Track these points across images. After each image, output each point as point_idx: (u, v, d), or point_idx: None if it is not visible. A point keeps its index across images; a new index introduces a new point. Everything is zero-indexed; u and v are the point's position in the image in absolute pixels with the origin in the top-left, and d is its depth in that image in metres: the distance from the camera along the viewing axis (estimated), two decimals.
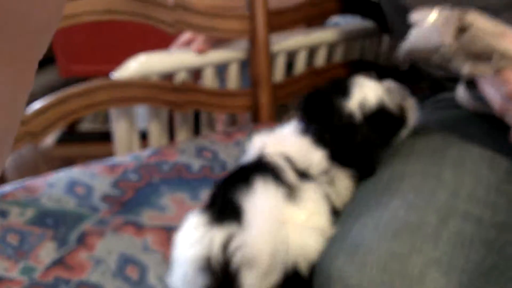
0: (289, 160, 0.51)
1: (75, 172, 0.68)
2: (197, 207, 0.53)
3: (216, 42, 0.84)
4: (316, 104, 0.57)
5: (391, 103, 0.56)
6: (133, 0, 0.70)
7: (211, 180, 0.68)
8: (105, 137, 0.97)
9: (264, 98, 0.85)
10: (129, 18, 0.72)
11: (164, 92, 0.77)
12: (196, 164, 0.71)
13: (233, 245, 0.44)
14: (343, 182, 0.55)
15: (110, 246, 0.57)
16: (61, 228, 0.58)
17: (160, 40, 0.86)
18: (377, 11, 0.83)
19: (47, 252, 0.55)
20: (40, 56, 0.20)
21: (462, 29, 0.48)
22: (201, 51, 0.82)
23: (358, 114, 0.55)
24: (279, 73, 0.90)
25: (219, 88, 0.87)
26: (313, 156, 0.53)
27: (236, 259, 0.44)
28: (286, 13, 0.84)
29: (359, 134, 0.54)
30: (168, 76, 0.80)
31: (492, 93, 0.50)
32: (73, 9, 0.66)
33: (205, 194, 0.65)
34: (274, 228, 0.45)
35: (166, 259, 0.55)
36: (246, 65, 0.87)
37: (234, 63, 0.87)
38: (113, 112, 0.79)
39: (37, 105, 0.67)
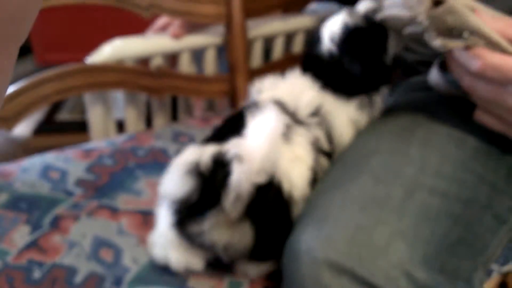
0: (279, 104, 0.52)
1: (49, 157, 0.68)
2: None
3: (193, 27, 0.84)
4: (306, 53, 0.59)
5: (357, 22, 0.56)
6: None
7: None
8: (83, 127, 0.95)
9: (241, 83, 0.85)
10: (102, 2, 0.71)
11: (139, 77, 0.77)
12: (172, 148, 0.71)
13: (227, 148, 0.46)
14: (339, 118, 0.55)
15: (84, 230, 0.56)
16: (34, 212, 0.58)
17: (136, 27, 0.86)
18: None
19: (20, 235, 0.55)
20: (19, 44, 0.19)
21: (437, 2, 0.48)
22: (177, 36, 0.82)
23: (331, 47, 0.56)
24: (256, 58, 0.90)
25: (196, 74, 0.87)
26: (303, 97, 0.54)
27: (229, 155, 0.45)
28: None
29: (337, 62, 0.55)
30: (144, 61, 0.80)
31: (461, 71, 0.50)
32: None
33: None
34: (271, 138, 0.47)
35: (141, 242, 0.55)
36: (223, 50, 0.87)
37: (211, 48, 0.87)
38: (88, 98, 0.78)
39: (9, 89, 0.66)
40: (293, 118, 0.53)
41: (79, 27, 1.11)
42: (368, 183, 0.50)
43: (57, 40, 1.13)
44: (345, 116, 0.57)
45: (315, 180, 0.53)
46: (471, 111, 0.59)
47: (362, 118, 0.58)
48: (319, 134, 0.54)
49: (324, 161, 0.55)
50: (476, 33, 0.47)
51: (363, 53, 0.56)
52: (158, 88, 0.79)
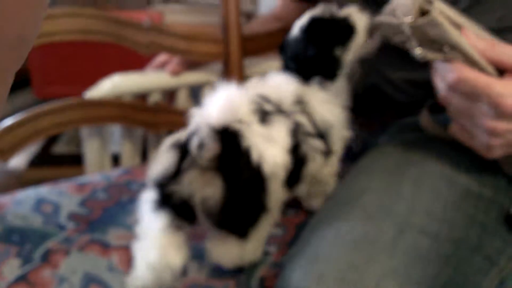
0: (264, 97, 0.55)
1: (43, 190, 0.68)
2: None
3: (191, 64, 0.86)
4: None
5: (324, 14, 0.63)
6: (108, 21, 0.72)
7: None
8: (79, 160, 0.96)
9: None
10: (104, 38, 0.73)
11: (137, 112, 0.78)
12: None
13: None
14: (316, 100, 0.60)
15: (74, 265, 0.56)
16: (26, 245, 0.57)
17: (136, 63, 0.88)
18: None
19: (10, 268, 0.54)
20: (14, 71, 0.20)
21: (424, 13, 0.50)
22: (175, 73, 0.84)
23: (298, 33, 0.63)
24: None
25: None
26: (285, 90, 0.58)
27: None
28: (259, 38, 0.87)
29: (300, 45, 0.62)
30: (142, 96, 0.81)
31: (439, 81, 0.52)
32: (47, 28, 0.67)
33: None
34: (230, 95, 0.50)
35: None
36: None
37: (209, 85, 0.89)
38: (85, 132, 0.79)
39: (7, 122, 0.67)
40: (277, 108, 0.55)
41: (79, 62, 1.13)
42: (359, 221, 0.50)
43: (57, 74, 1.15)
44: (320, 100, 0.60)
45: (300, 162, 0.56)
46: (462, 152, 0.60)
47: (335, 101, 0.62)
48: (303, 120, 0.57)
49: (314, 142, 0.57)
50: (456, 48, 0.49)
51: (316, 38, 0.62)
52: (155, 123, 0.80)
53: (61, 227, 0.61)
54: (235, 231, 0.51)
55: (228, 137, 0.48)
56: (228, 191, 0.48)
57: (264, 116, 0.53)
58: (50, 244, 0.58)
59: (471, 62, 0.49)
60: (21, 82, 1.48)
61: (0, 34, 0.17)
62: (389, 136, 0.70)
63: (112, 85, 0.77)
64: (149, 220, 0.52)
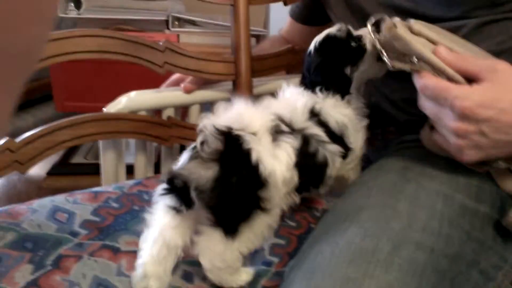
0: (279, 117, 0.60)
1: (59, 199, 0.71)
2: None
3: (204, 82, 0.90)
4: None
5: (339, 33, 0.67)
6: (125, 41, 0.76)
7: None
8: (96, 170, 1.00)
9: None
10: (121, 58, 0.78)
11: (151, 127, 0.82)
12: None
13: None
14: (328, 107, 0.64)
15: (84, 270, 0.59)
16: (39, 252, 0.60)
17: (152, 81, 0.92)
18: None
19: (22, 274, 0.57)
20: (20, 82, 0.22)
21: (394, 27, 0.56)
22: (188, 91, 0.88)
23: (312, 48, 0.68)
24: None
25: None
26: (296, 107, 0.62)
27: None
28: (267, 59, 0.91)
29: (313, 60, 0.67)
30: (157, 112, 0.86)
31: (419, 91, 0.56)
32: (69, 47, 0.72)
33: None
34: (240, 108, 0.57)
35: None
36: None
37: (220, 102, 0.93)
38: (102, 144, 0.83)
39: (27, 134, 0.71)
40: (290, 127, 0.60)
41: (98, 79, 1.19)
42: (357, 236, 0.51)
43: (77, 90, 1.21)
44: (331, 105, 0.65)
45: (321, 166, 0.61)
46: (459, 169, 0.62)
47: (347, 111, 0.66)
48: (316, 130, 0.61)
49: (331, 147, 0.62)
50: (422, 59, 0.54)
51: (328, 56, 0.66)
52: (168, 137, 0.84)
53: (74, 234, 0.64)
54: (224, 218, 0.54)
55: (231, 138, 0.53)
56: (222, 174, 0.52)
57: (276, 136, 0.57)
58: (63, 250, 0.61)
59: (438, 71, 0.53)
60: (44, 97, 1.56)
61: (7, 47, 0.19)
62: (390, 152, 0.72)
63: (129, 101, 0.82)
64: (156, 207, 0.57)
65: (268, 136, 0.56)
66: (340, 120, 0.64)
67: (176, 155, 0.94)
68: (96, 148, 1.30)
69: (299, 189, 0.60)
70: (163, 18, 1.28)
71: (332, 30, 0.68)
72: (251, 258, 0.62)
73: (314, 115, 0.63)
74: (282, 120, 0.60)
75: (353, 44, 0.66)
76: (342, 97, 0.66)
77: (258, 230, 0.55)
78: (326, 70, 0.66)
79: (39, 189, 1.23)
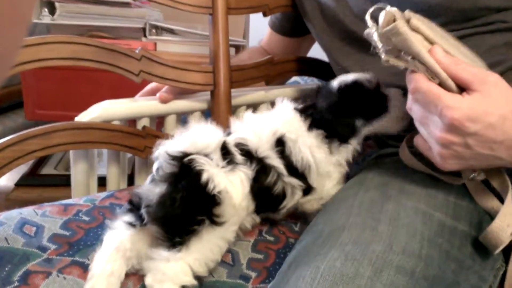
0: (240, 145, 0.63)
1: (27, 211, 0.68)
2: None
3: (181, 92, 0.88)
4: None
5: (366, 83, 0.67)
6: (100, 48, 0.74)
7: None
8: (66, 181, 0.97)
9: None
10: (95, 65, 0.75)
11: (125, 137, 0.79)
12: None
13: None
14: (308, 142, 0.66)
15: (53, 287, 0.56)
16: (5, 267, 0.58)
17: (128, 89, 0.90)
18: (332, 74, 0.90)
19: None
20: None
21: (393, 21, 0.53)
22: (165, 101, 0.86)
23: (335, 87, 0.68)
24: None
25: None
26: (266, 134, 0.64)
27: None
28: (247, 69, 0.90)
29: (330, 97, 0.67)
30: (131, 121, 0.83)
31: (408, 94, 0.55)
32: (41, 53, 0.70)
33: None
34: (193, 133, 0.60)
35: None
36: (210, 114, 0.91)
37: (197, 113, 0.91)
38: (73, 154, 0.80)
39: None
40: (249, 154, 0.62)
41: (71, 87, 1.16)
42: (337, 260, 0.50)
43: (49, 98, 1.17)
44: (309, 144, 0.66)
45: (277, 197, 0.64)
46: (437, 186, 0.62)
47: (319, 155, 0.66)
48: (276, 163, 0.63)
49: (290, 179, 0.64)
50: (417, 58, 0.52)
51: (347, 101, 0.67)
52: (143, 148, 0.82)
53: (43, 249, 0.61)
54: (169, 231, 0.56)
55: (184, 163, 0.56)
56: (168, 191, 0.55)
57: (232, 162, 0.60)
58: (30, 265, 0.58)
59: (432, 73, 0.52)
60: (14, 104, 1.50)
61: None
62: (369, 166, 0.72)
63: (102, 110, 0.79)
64: (115, 224, 0.61)
65: (221, 158, 0.59)
66: (306, 159, 0.65)
67: (151, 166, 0.91)
68: (67, 158, 1.26)
69: (257, 211, 0.64)
70: (140, 25, 1.26)
71: (362, 77, 0.68)
72: (228, 272, 0.61)
73: (280, 144, 0.64)
74: (246, 146, 0.63)
75: (376, 100, 0.67)
76: (340, 143, 0.67)
77: (209, 243, 0.57)
78: (338, 113, 0.67)
79: (6, 201, 1.18)
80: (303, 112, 0.68)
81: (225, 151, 0.61)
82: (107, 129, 0.77)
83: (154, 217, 0.56)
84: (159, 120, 0.90)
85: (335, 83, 0.68)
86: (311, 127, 0.66)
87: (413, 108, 0.55)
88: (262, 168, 0.62)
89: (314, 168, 0.66)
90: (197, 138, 0.59)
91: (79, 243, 0.63)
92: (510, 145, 0.51)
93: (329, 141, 0.67)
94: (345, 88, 0.67)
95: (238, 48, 1.32)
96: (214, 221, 0.56)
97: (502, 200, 0.60)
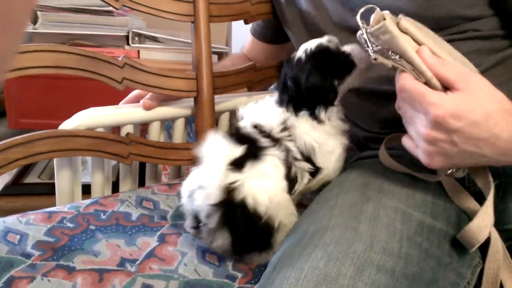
0: (258, 127, 0.66)
1: (11, 220, 0.68)
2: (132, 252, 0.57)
3: (165, 98, 0.89)
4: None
5: (330, 45, 0.68)
6: (82, 56, 0.75)
7: (149, 228, 0.69)
8: (51, 190, 0.97)
9: None
10: (78, 73, 0.76)
11: (109, 144, 0.80)
12: (135, 213, 0.73)
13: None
14: (302, 127, 0.67)
15: None
16: None
17: (111, 96, 0.90)
18: None
19: None
20: None
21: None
22: (148, 108, 0.86)
23: (303, 56, 0.68)
24: (223, 129, 0.95)
25: (165, 141, 0.91)
26: (274, 114, 0.67)
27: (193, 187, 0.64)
28: (229, 76, 0.91)
29: (304, 69, 0.67)
30: (114, 128, 0.84)
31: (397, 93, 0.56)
32: (23, 62, 0.70)
33: (141, 240, 0.66)
34: (221, 167, 0.62)
35: None
36: (193, 120, 0.92)
37: (181, 119, 0.92)
38: (57, 162, 0.80)
39: None
40: (270, 136, 0.66)
41: (55, 95, 1.16)
42: (321, 260, 0.51)
43: (32, 107, 1.17)
44: (305, 125, 0.68)
45: (291, 182, 0.66)
46: (415, 186, 0.64)
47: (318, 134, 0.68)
48: (291, 145, 0.66)
49: (301, 164, 0.67)
50: (404, 57, 0.54)
51: (321, 66, 0.67)
52: (127, 155, 0.83)
53: (27, 256, 0.61)
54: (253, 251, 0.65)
55: (227, 200, 0.60)
56: (233, 240, 0.62)
57: (256, 152, 0.63)
58: (14, 272, 0.58)
59: (418, 72, 0.53)
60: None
61: None
62: (350, 168, 0.74)
63: (85, 118, 0.80)
64: None
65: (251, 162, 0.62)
66: (308, 143, 0.67)
67: (135, 173, 0.92)
68: (51, 166, 1.25)
69: None
70: (123, 33, 1.27)
71: (322, 40, 0.69)
72: (214, 271, 0.62)
73: (285, 129, 0.67)
74: (262, 127, 0.66)
75: (343, 58, 0.68)
76: (326, 109, 0.68)
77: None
78: (317, 80, 0.67)
79: None
80: (281, 102, 0.69)
81: (247, 141, 0.64)
82: (91, 137, 0.78)
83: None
84: (142, 127, 0.90)
85: (300, 53, 0.68)
86: (296, 111, 0.67)
87: (401, 106, 0.56)
88: (286, 149, 0.65)
89: (318, 149, 0.67)
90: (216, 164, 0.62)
91: (64, 248, 0.63)
92: (494, 143, 0.52)
93: (315, 115, 0.68)
94: (314, 54, 0.68)
95: (221, 55, 1.33)
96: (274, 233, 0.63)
97: (478, 200, 0.62)
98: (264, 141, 0.64)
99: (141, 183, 0.95)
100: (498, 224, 0.60)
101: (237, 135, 0.66)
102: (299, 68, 0.67)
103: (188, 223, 0.66)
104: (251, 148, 0.63)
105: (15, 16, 0.21)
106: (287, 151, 0.65)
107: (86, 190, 0.86)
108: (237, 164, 0.62)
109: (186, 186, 0.65)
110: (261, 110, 0.69)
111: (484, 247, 0.58)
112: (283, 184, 0.64)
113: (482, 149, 0.53)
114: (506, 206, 0.65)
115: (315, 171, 0.68)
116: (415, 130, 0.55)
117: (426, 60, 0.53)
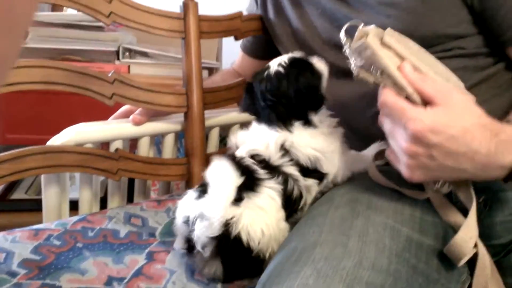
0: (255, 157, 0.66)
1: None
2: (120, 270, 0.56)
3: (155, 113, 0.89)
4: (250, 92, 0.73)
5: (301, 55, 0.72)
6: (72, 72, 0.75)
7: (138, 245, 0.69)
8: (38, 206, 0.96)
9: (198, 168, 0.89)
10: (68, 89, 0.76)
11: (97, 160, 0.79)
12: (124, 230, 0.73)
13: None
14: (301, 141, 0.68)
15: None
16: None
17: (101, 112, 0.90)
18: None
19: None
20: None
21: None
22: (138, 124, 0.86)
23: (280, 69, 0.69)
24: (212, 144, 0.95)
25: (155, 157, 0.90)
26: (270, 140, 0.67)
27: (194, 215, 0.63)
28: (219, 91, 0.92)
29: (287, 79, 0.69)
30: (103, 144, 0.83)
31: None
32: (12, 77, 0.70)
33: (129, 258, 0.65)
34: (223, 200, 0.62)
35: None
36: (183, 135, 0.92)
37: (170, 134, 0.92)
38: (44, 178, 0.79)
39: None
40: (268, 165, 0.66)
41: (43, 110, 1.15)
42: (310, 277, 0.51)
43: (20, 121, 1.16)
44: (304, 140, 0.68)
45: (295, 200, 0.67)
46: (403, 202, 0.64)
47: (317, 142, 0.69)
48: (291, 170, 0.66)
49: (305, 182, 0.68)
50: (385, 73, 0.55)
51: (302, 73, 0.70)
52: (116, 171, 0.82)
53: (12, 274, 0.60)
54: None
55: (223, 235, 0.61)
56: (225, 270, 0.63)
57: (254, 186, 0.63)
58: None
59: (398, 87, 0.55)
60: None
61: None
62: (339, 184, 0.74)
63: (74, 133, 0.79)
64: None
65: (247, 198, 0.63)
66: (313, 156, 0.68)
67: (124, 189, 0.91)
68: (38, 182, 1.23)
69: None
70: (114, 49, 1.27)
71: (291, 54, 0.71)
72: None
73: (285, 153, 0.67)
74: (259, 157, 0.66)
75: (312, 67, 0.71)
76: (316, 112, 0.69)
77: None
78: (304, 85, 0.69)
79: None
80: (271, 121, 0.69)
81: (245, 172, 0.64)
82: (79, 153, 0.77)
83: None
84: (132, 142, 0.90)
85: (275, 67, 0.70)
86: (288, 125, 0.68)
87: (383, 121, 0.57)
88: (284, 178, 0.65)
89: (323, 158, 0.69)
90: (220, 194, 0.63)
91: (50, 267, 0.62)
92: (473, 157, 0.53)
93: (309, 122, 0.69)
94: (291, 63, 0.70)
95: (212, 70, 1.33)
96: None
97: (465, 215, 0.62)
98: (261, 173, 0.65)
99: (130, 199, 0.94)
100: (486, 239, 0.61)
101: (236, 165, 0.66)
102: (279, 80, 0.68)
103: (179, 245, 0.66)
104: (248, 180, 0.64)
105: (15, 18, 0.21)
106: (286, 179, 0.66)
107: (74, 206, 0.85)
108: (235, 197, 0.63)
109: (183, 210, 0.65)
110: (256, 137, 0.69)
111: (472, 263, 0.59)
112: (279, 215, 0.65)
113: (461, 164, 0.53)
114: (493, 221, 0.66)
115: (321, 177, 0.70)
116: (396, 144, 0.56)
117: (407, 75, 0.54)
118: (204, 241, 0.61)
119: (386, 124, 0.57)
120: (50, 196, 0.80)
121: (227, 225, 0.61)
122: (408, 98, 0.54)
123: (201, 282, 0.63)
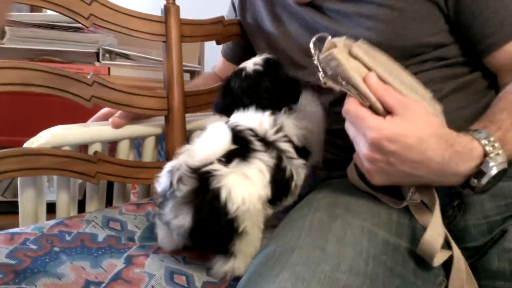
0: (252, 131, 0.67)
1: None
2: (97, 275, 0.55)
3: (135, 117, 0.88)
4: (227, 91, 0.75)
5: (270, 55, 0.76)
6: (50, 74, 0.74)
7: (116, 249, 0.68)
8: (14, 208, 0.94)
9: None
10: (45, 91, 0.74)
11: (75, 163, 0.78)
12: (102, 234, 0.72)
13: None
14: (290, 122, 0.70)
15: None
16: None
17: (80, 114, 0.89)
18: None
19: None
20: None
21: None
22: (117, 126, 0.85)
23: (257, 67, 0.73)
24: None
25: (134, 160, 0.90)
26: (263, 119, 0.68)
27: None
28: (200, 95, 0.92)
29: (268, 72, 0.72)
30: (82, 147, 0.82)
31: None
32: None
33: (107, 262, 0.65)
34: (212, 149, 0.62)
35: None
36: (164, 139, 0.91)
37: (151, 138, 0.91)
38: (21, 181, 0.78)
39: None
40: (264, 141, 0.66)
41: (20, 111, 1.13)
42: (288, 281, 0.52)
43: None
44: (290, 121, 0.71)
45: (287, 181, 0.67)
46: (381, 205, 0.66)
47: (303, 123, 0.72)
48: (286, 146, 0.68)
49: (297, 161, 0.68)
50: (350, 83, 0.58)
51: (279, 66, 0.74)
52: (95, 174, 0.81)
53: None
54: (209, 249, 0.64)
55: (202, 177, 0.59)
56: (194, 223, 0.59)
57: (246, 153, 0.63)
58: None
59: (363, 97, 0.57)
60: None
61: None
62: (318, 187, 0.75)
63: (52, 136, 0.78)
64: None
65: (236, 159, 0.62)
66: (301, 133, 0.70)
67: (103, 192, 0.90)
68: (15, 184, 1.21)
69: (271, 201, 0.66)
70: (94, 50, 1.26)
71: (264, 55, 0.75)
72: None
73: (279, 130, 0.68)
74: (255, 132, 0.66)
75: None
76: (296, 102, 0.72)
77: (253, 244, 0.63)
78: (284, 74, 0.73)
79: None
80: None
81: (240, 141, 0.64)
82: (56, 155, 0.76)
83: (194, 244, 0.64)
84: (111, 145, 0.89)
85: (252, 66, 0.73)
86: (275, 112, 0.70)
87: (348, 128, 0.60)
88: (278, 154, 0.66)
89: (310, 136, 0.71)
90: (210, 143, 0.63)
91: (26, 271, 0.61)
92: (428, 165, 0.56)
93: (293, 108, 0.72)
94: (265, 61, 0.73)
95: (193, 73, 1.33)
96: (242, 231, 0.61)
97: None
98: (256, 144, 0.64)
99: (109, 202, 0.93)
100: (460, 242, 0.63)
101: (232, 132, 0.65)
102: (259, 76, 0.72)
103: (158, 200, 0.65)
104: (242, 149, 0.63)
105: None
106: (280, 154, 0.66)
107: (51, 208, 0.83)
108: (225, 159, 0.61)
109: (171, 163, 0.63)
110: (249, 117, 0.70)
111: (448, 265, 0.60)
112: (263, 192, 0.63)
113: (417, 170, 0.57)
114: (467, 224, 0.67)
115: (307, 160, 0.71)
116: (358, 149, 0.59)
117: (371, 85, 0.57)
118: (182, 173, 0.59)
119: (350, 131, 0.60)
120: (27, 200, 0.79)
121: (209, 173, 0.59)
122: (371, 106, 0.57)
123: (181, 286, 0.63)
